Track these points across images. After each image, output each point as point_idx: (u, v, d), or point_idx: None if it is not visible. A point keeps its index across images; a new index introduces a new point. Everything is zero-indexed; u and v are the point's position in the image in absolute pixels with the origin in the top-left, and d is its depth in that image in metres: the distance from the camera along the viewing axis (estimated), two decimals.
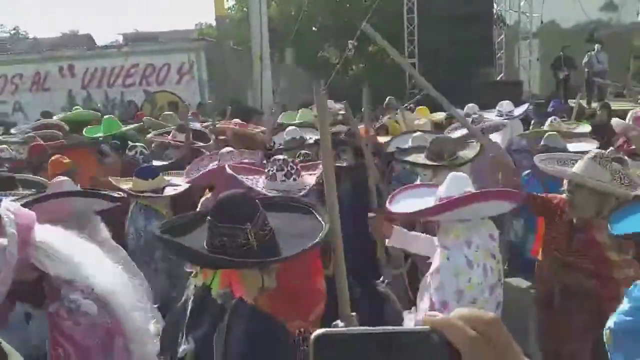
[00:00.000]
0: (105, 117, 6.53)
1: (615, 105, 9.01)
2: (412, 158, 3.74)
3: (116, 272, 1.87)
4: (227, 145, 4.29)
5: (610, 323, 1.67)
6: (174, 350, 1.74)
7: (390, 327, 0.59)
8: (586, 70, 12.93)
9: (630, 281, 2.38)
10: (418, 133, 4.76)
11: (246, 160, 3.68)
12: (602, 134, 5.78)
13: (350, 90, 13.91)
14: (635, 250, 2.53)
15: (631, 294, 1.68)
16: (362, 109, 4.17)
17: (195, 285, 1.83)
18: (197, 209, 3.22)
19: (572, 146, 4.51)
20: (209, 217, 1.81)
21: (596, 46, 12.95)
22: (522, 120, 6.32)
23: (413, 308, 2.64)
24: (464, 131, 4.57)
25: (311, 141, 4.61)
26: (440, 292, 2.23)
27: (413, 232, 2.89)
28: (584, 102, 10.29)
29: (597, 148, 4.29)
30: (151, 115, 9.28)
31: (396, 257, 3.23)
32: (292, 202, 2.23)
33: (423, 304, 2.41)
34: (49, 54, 15.36)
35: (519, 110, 6.19)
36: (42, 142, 5.03)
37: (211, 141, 5.12)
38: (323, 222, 1.93)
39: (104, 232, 2.76)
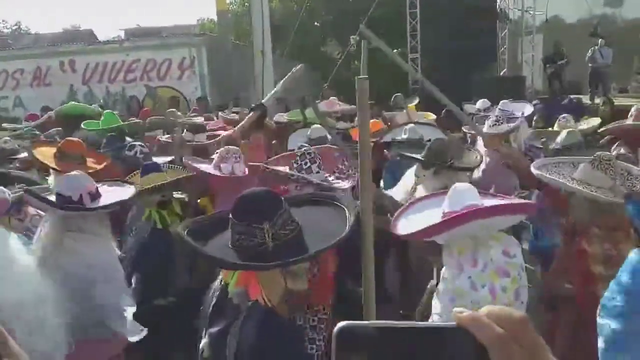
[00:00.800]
0: (105, 111, 6.48)
1: (618, 101, 8.95)
2: (414, 154, 3.65)
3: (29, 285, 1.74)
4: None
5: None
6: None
7: (416, 322, 0.59)
8: (590, 65, 12.86)
9: None
10: (411, 125, 4.75)
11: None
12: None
13: (352, 85, 13.83)
14: None
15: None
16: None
17: (221, 281, 1.85)
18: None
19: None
20: (230, 215, 1.78)
21: (600, 41, 12.87)
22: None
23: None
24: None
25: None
26: (443, 318, 1.99)
27: None
28: (586, 98, 10.26)
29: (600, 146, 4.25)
30: (153, 109, 9.23)
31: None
32: (333, 200, 2.12)
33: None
34: (50, 49, 15.32)
35: (526, 110, 6.03)
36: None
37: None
38: (347, 226, 1.85)
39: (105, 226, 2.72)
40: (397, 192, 3.48)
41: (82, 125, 5.93)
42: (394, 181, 3.89)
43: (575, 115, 6.50)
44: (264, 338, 1.60)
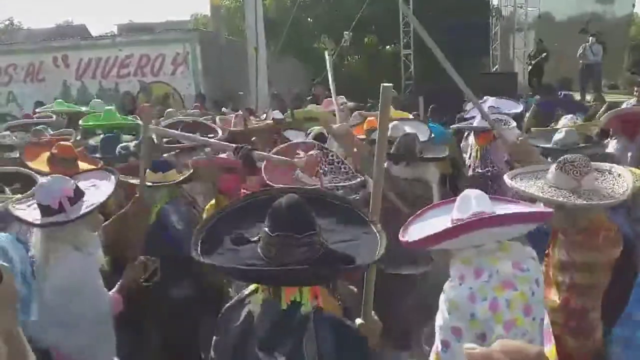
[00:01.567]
0: (106, 108, 6.45)
1: (608, 97, 9.06)
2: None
3: None
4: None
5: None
6: None
7: None
8: (581, 62, 12.96)
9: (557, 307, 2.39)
10: (394, 122, 4.80)
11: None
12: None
13: (346, 81, 13.91)
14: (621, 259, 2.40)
15: None
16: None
17: (263, 301, 1.75)
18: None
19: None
20: (279, 232, 1.67)
21: (590, 38, 12.96)
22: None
23: None
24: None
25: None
26: (442, 331, 1.94)
27: None
28: (577, 95, 10.32)
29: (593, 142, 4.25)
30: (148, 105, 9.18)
31: None
32: (344, 202, 2.09)
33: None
34: (43, 44, 15.23)
35: (514, 109, 6.03)
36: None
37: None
38: (377, 234, 1.83)
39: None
40: None
41: (80, 122, 5.90)
42: None
43: (581, 114, 6.44)
44: (341, 335, 1.68)
